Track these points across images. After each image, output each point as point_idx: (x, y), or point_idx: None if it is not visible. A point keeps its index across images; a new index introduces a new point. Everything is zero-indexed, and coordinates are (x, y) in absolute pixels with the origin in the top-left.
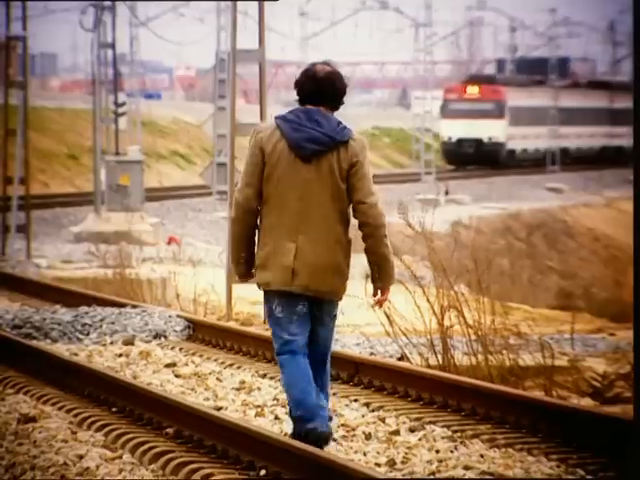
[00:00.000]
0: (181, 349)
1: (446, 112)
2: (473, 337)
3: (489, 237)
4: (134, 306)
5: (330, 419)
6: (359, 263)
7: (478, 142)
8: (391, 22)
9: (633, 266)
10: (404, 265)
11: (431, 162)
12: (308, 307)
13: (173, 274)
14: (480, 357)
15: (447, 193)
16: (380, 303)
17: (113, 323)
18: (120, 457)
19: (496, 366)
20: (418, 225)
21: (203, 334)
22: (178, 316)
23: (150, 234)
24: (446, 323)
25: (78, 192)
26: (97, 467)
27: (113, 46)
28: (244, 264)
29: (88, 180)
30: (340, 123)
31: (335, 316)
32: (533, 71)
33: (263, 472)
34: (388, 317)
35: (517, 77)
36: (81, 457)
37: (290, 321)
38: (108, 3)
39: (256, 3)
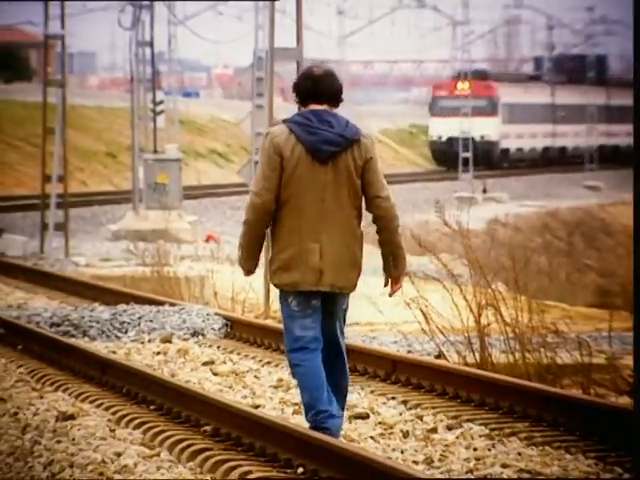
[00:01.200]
0: (219, 347)
1: (435, 109)
2: (510, 335)
3: (527, 235)
4: (172, 304)
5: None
6: None
7: (470, 141)
8: (428, 20)
9: (633, 266)
10: (441, 263)
11: (469, 160)
12: (320, 302)
13: (211, 272)
14: (517, 355)
15: (485, 191)
16: (395, 292)
17: (151, 321)
18: (158, 455)
19: (533, 364)
20: (455, 223)
21: (241, 332)
22: (216, 314)
23: (188, 232)
24: (483, 321)
25: (116, 190)
26: (135, 465)
27: (151, 44)
28: (252, 262)
29: (126, 178)
30: (348, 121)
31: (347, 308)
32: (571, 69)
33: (301, 470)
34: (425, 315)
35: (510, 73)
36: (119, 455)
37: (304, 315)
38: (146, 2)
39: (294, 1)
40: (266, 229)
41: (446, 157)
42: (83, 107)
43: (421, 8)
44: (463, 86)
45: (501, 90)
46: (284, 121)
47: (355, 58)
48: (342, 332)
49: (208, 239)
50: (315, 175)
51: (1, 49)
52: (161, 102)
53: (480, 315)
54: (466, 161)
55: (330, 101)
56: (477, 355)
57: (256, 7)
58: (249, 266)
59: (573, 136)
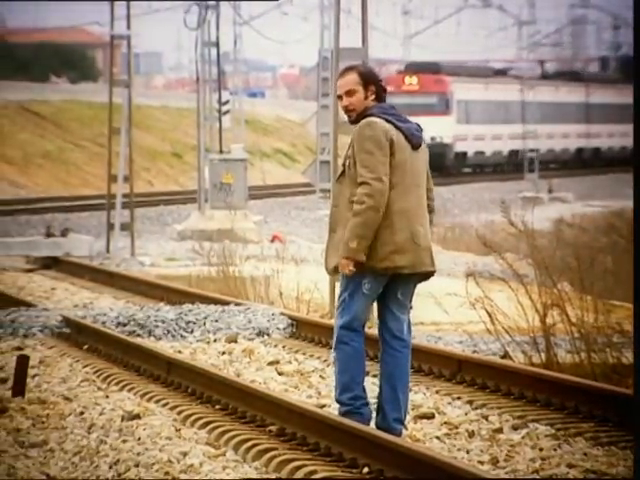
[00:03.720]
0: (284, 347)
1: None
2: (576, 335)
3: (592, 235)
4: (237, 304)
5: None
6: (462, 262)
7: None
8: (494, 20)
9: (633, 266)
10: (506, 263)
11: (534, 159)
12: (391, 290)
13: (276, 272)
14: (583, 355)
15: (550, 191)
16: None
17: (216, 321)
18: (224, 454)
19: (599, 364)
20: (521, 223)
21: (306, 332)
22: (281, 314)
23: (253, 232)
24: (549, 321)
25: (182, 190)
26: (201, 464)
27: (217, 44)
28: (367, 249)
29: (192, 178)
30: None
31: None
32: None
33: (366, 470)
34: (490, 315)
35: (469, 66)
36: (185, 454)
37: (370, 299)
38: (212, 2)
39: (359, 1)
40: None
41: None
42: (149, 107)
43: (486, 8)
44: (411, 81)
45: (456, 86)
46: (371, 115)
47: (420, 58)
48: (407, 336)
49: (273, 239)
50: (413, 161)
51: (67, 50)
52: (227, 102)
53: (546, 315)
54: (531, 161)
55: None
56: (543, 355)
57: (321, 7)
58: (362, 257)
59: (547, 137)
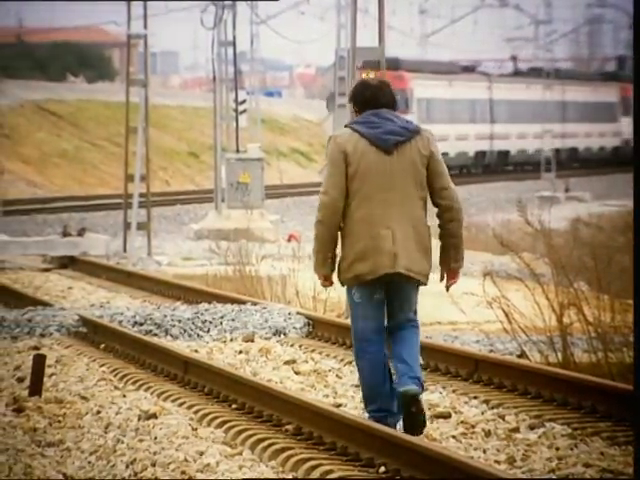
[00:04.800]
0: (301, 346)
1: (335, 105)
2: (593, 334)
3: (609, 234)
4: (254, 303)
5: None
6: (479, 261)
7: None
8: (511, 19)
9: (633, 265)
10: (523, 262)
11: (551, 159)
12: (386, 297)
13: (293, 271)
14: (600, 354)
15: (567, 190)
16: (451, 285)
17: (233, 320)
18: (240, 454)
19: (616, 363)
20: (538, 222)
21: (322, 331)
22: (298, 313)
23: (270, 231)
24: (565, 320)
25: (198, 189)
26: (217, 463)
27: (233, 44)
28: (330, 264)
29: (208, 177)
30: (407, 119)
31: (416, 303)
32: None
33: (382, 469)
34: (507, 315)
35: (432, 61)
36: (201, 454)
37: (366, 308)
38: (229, 2)
39: (376, 1)
40: (337, 228)
41: None
42: (165, 107)
43: (503, 7)
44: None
45: (417, 83)
46: (346, 125)
47: (437, 57)
48: (414, 323)
49: (290, 238)
50: (381, 165)
51: (84, 49)
52: (243, 101)
53: (562, 314)
54: (548, 160)
55: (388, 108)
56: (559, 355)
57: (338, 6)
58: (325, 271)
59: (517, 137)
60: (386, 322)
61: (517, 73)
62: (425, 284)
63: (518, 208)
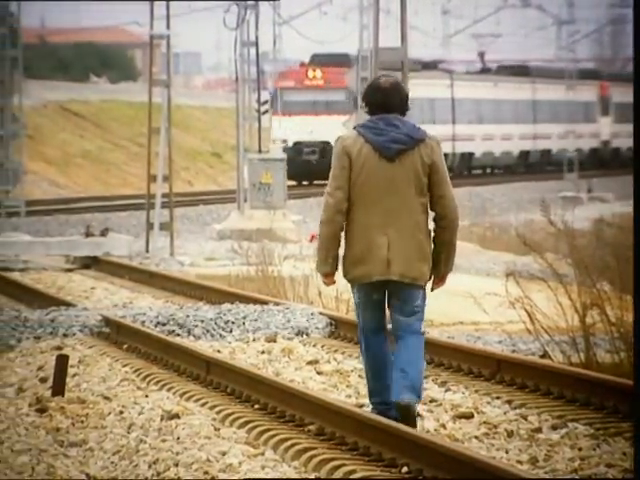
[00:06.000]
0: (323, 346)
1: (279, 106)
2: (616, 335)
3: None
4: (276, 303)
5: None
6: (501, 261)
7: (324, 147)
8: (533, 20)
9: (633, 265)
10: (546, 262)
11: (574, 159)
12: (388, 299)
13: (315, 271)
14: (623, 355)
15: (590, 190)
16: (438, 288)
17: (256, 320)
18: (263, 454)
19: None
20: (561, 223)
21: (345, 331)
22: (320, 313)
23: (292, 231)
24: (588, 321)
25: (221, 190)
26: (240, 464)
27: (256, 44)
28: (332, 263)
29: (231, 178)
30: (415, 125)
31: (423, 305)
32: None
33: (405, 469)
34: (529, 315)
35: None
36: (224, 454)
37: (366, 307)
38: (251, 2)
39: (399, 1)
40: (341, 228)
41: (294, 167)
42: (188, 107)
43: (526, 7)
44: (315, 75)
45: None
46: (354, 128)
47: (459, 57)
48: (415, 330)
49: (312, 239)
50: (382, 172)
51: (107, 49)
52: (266, 102)
53: (585, 315)
54: (570, 162)
55: (398, 111)
56: (582, 355)
57: (361, 7)
58: (325, 269)
59: (483, 139)
60: (390, 325)
61: (484, 71)
62: (423, 287)
63: (541, 208)
